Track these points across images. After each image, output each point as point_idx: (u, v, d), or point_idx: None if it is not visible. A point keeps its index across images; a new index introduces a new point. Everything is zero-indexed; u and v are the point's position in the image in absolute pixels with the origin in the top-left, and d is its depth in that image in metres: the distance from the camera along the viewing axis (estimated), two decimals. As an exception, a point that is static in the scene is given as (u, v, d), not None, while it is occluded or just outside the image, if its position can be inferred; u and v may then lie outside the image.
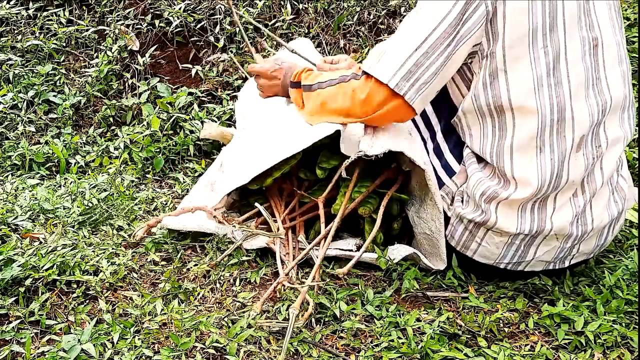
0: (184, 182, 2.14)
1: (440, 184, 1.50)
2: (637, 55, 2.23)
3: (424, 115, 1.56)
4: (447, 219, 1.48)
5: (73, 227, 1.72)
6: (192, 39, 2.69)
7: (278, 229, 1.53)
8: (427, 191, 1.47)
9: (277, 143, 1.53)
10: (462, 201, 1.45)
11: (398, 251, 1.52)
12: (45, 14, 2.84)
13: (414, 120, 1.59)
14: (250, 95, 1.94)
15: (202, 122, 2.38)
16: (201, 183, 1.76)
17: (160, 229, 1.68)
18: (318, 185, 1.67)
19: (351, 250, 1.56)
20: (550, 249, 1.41)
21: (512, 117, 1.32)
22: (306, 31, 2.63)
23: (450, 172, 1.50)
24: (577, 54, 1.31)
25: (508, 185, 1.35)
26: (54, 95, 2.59)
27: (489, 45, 1.30)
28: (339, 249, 1.56)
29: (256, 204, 1.54)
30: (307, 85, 1.52)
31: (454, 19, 1.28)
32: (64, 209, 1.82)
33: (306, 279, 1.40)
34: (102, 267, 1.47)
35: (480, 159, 1.43)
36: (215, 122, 2.39)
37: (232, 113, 2.39)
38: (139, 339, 1.22)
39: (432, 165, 1.53)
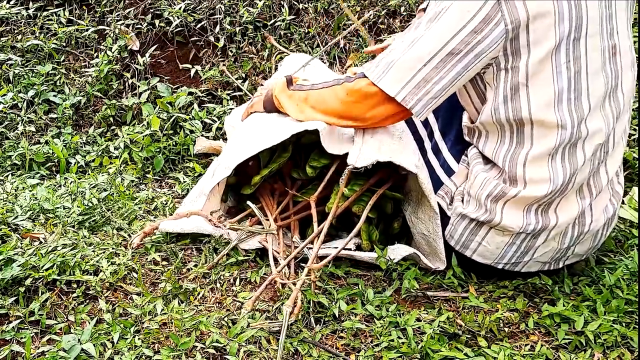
0: (184, 182, 2.14)
1: (439, 183, 1.49)
2: (637, 55, 2.23)
3: None
4: (446, 219, 1.48)
5: (73, 227, 1.72)
6: (192, 39, 2.69)
7: (270, 226, 1.53)
8: (423, 192, 1.47)
9: (258, 137, 1.54)
10: (463, 201, 1.45)
11: (398, 251, 1.52)
12: (45, 14, 2.85)
13: (408, 120, 1.59)
14: (240, 110, 1.95)
15: (201, 123, 2.38)
16: (194, 192, 1.77)
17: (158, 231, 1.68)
18: (312, 185, 1.68)
19: (350, 249, 1.56)
20: (548, 250, 1.41)
21: (531, 130, 1.31)
22: (306, 31, 2.63)
23: (449, 172, 1.49)
24: (597, 64, 1.29)
25: (516, 185, 1.35)
26: (54, 95, 2.59)
27: (507, 61, 1.27)
28: (337, 248, 1.56)
29: (248, 202, 1.55)
30: (299, 85, 1.51)
31: (468, 34, 1.23)
32: (64, 208, 1.82)
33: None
34: (102, 267, 1.47)
35: (486, 160, 1.42)
36: (215, 122, 2.39)
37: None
38: (139, 338, 1.22)
39: (430, 164, 1.52)
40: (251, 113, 1.73)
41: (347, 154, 1.48)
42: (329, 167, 1.58)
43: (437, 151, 1.53)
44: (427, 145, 1.54)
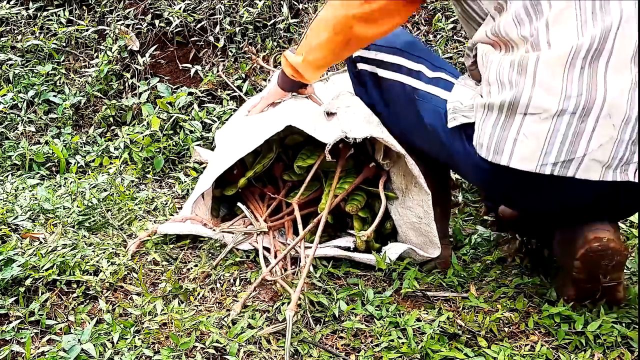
0: (184, 182, 2.14)
1: (440, 103, 1.37)
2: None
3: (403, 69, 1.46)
4: (470, 130, 1.30)
5: (73, 227, 1.72)
6: (192, 39, 2.69)
7: (260, 225, 1.54)
8: (409, 178, 1.47)
9: (235, 147, 1.55)
10: (482, 95, 1.30)
11: (393, 249, 1.52)
12: (45, 14, 2.84)
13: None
14: (232, 121, 1.94)
15: (201, 123, 2.39)
16: (190, 201, 1.78)
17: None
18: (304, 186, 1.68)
19: (348, 248, 1.56)
20: (606, 142, 1.17)
21: None
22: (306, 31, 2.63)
23: (449, 87, 1.38)
24: None
25: (540, 48, 1.21)
26: (54, 95, 2.59)
27: None
28: (337, 247, 1.56)
29: (238, 204, 1.56)
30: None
31: None
32: (64, 209, 1.82)
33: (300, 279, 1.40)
34: (102, 267, 1.47)
35: (500, 45, 1.29)
36: (215, 122, 2.39)
37: (232, 113, 2.40)
38: (139, 339, 1.22)
39: (428, 92, 1.40)
40: (268, 105, 1.71)
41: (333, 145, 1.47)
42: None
43: (430, 80, 1.41)
44: (418, 84, 1.43)
